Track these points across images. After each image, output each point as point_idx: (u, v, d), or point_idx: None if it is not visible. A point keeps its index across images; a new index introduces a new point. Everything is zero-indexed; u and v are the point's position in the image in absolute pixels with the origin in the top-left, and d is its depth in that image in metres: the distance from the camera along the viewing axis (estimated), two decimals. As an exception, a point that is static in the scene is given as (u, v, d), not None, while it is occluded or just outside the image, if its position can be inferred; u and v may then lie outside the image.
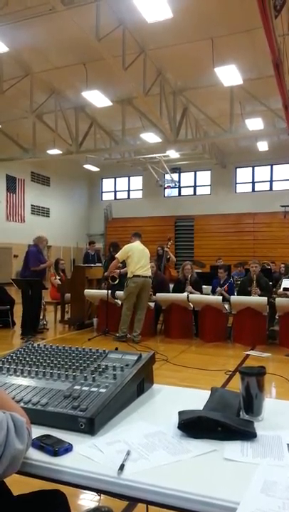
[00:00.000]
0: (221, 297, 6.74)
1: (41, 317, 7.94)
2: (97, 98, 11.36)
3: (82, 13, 8.00)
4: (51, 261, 7.64)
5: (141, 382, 1.45)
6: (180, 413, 1.20)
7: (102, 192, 23.79)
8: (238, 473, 0.96)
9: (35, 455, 1.03)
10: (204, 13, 8.60)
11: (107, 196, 23.55)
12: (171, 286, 7.70)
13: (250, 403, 1.24)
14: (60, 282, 8.33)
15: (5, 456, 0.93)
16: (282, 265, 7.95)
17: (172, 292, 7.38)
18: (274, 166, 19.66)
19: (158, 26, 8.53)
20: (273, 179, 19.84)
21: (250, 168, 20.20)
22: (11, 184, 18.25)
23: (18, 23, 8.42)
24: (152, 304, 7.10)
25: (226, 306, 6.73)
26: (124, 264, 7.70)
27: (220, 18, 8.76)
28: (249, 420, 1.20)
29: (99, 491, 1.01)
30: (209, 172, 20.83)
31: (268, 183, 19.96)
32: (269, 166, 19.73)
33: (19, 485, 1.30)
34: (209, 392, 1.42)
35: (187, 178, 21.31)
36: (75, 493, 2.17)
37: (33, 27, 8.87)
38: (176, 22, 8.38)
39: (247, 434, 1.12)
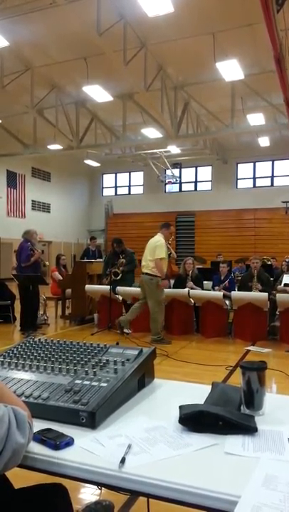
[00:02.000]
0: (221, 293, 6.74)
1: (42, 312, 7.96)
2: (97, 93, 11.32)
3: (83, 8, 7.95)
4: (40, 251, 7.45)
5: (142, 377, 1.45)
6: (181, 407, 1.20)
7: (102, 187, 23.76)
8: (239, 467, 0.96)
9: (37, 449, 1.04)
10: (205, 7, 8.54)
11: (108, 192, 23.52)
12: (172, 281, 7.69)
13: (251, 398, 1.24)
14: (61, 277, 8.34)
15: (6, 450, 0.93)
16: (284, 261, 7.92)
17: (173, 288, 7.38)
18: (275, 162, 19.61)
19: (159, 21, 8.49)
20: (274, 175, 19.79)
21: (252, 164, 20.14)
22: (12, 180, 18.23)
23: (19, 18, 8.38)
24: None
25: (227, 302, 6.73)
26: (128, 260, 7.70)
27: (221, 13, 8.71)
28: (250, 415, 1.21)
29: (100, 485, 1.02)
30: (210, 167, 20.79)
31: (269, 178, 19.92)
32: (270, 162, 19.67)
33: (20, 478, 1.31)
34: (210, 386, 1.42)
35: (188, 174, 21.26)
36: (76, 487, 2.18)
37: (33, 21, 8.82)
38: (177, 16, 8.33)
39: (248, 428, 1.12)
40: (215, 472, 0.94)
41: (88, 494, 2.24)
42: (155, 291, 6.25)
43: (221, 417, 1.13)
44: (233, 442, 1.07)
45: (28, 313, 7.08)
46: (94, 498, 2.16)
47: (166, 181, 19.98)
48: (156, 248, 6.22)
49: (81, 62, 10.82)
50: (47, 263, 7.86)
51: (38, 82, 11.84)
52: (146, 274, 6.31)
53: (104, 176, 23.43)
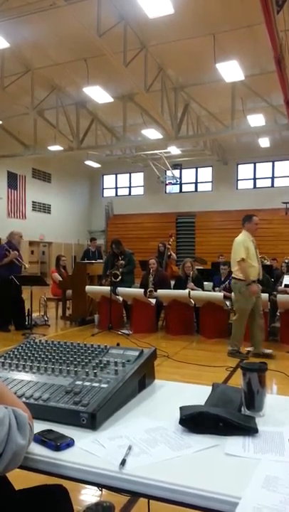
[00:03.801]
0: (222, 294, 6.74)
1: (42, 313, 7.97)
2: (98, 94, 11.33)
3: (83, 9, 7.96)
4: (15, 253, 7.24)
5: (142, 378, 1.45)
6: (181, 408, 1.20)
7: (103, 188, 23.77)
8: (239, 468, 0.96)
9: (37, 450, 1.04)
10: (206, 8, 8.55)
11: (108, 193, 23.52)
12: (173, 282, 7.70)
13: (252, 399, 1.24)
14: (60, 278, 8.35)
15: (7, 452, 0.93)
16: (284, 262, 7.92)
17: (173, 289, 7.38)
18: (275, 163, 19.61)
19: (159, 22, 8.49)
20: (275, 176, 19.79)
21: (252, 165, 20.14)
22: (12, 181, 18.23)
23: (19, 19, 8.38)
24: (153, 301, 7.11)
25: (227, 303, 6.73)
26: (127, 261, 7.69)
27: (221, 14, 8.71)
28: (250, 416, 1.21)
29: (100, 486, 1.02)
30: (210, 168, 20.79)
31: (270, 179, 19.92)
32: (270, 163, 19.67)
33: (21, 480, 1.31)
34: (211, 388, 1.42)
35: (188, 175, 21.27)
36: (77, 488, 2.18)
37: (33, 23, 8.83)
38: (177, 18, 8.34)
39: (248, 429, 1.12)
40: (215, 473, 0.95)
41: (89, 495, 2.24)
42: (238, 297, 5.51)
43: (222, 418, 1.13)
44: (234, 443, 1.07)
45: (21, 313, 7.22)
46: (94, 500, 2.16)
47: (167, 182, 19.98)
48: (235, 248, 5.47)
49: (81, 64, 10.83)
50: (27, 266, 7.79)
51: (39, 83, 11.85)
52: (233, 277, 5.63)
53: (105, 176, 23.44)
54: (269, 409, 1.25)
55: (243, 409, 1.25)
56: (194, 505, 0.88)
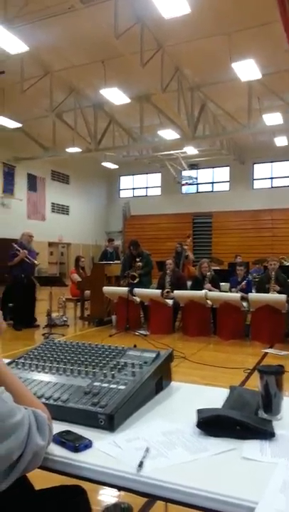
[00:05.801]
0: (239, 294, 6.69)
1: (62, 314, 8.05)
2: (115, 95, 11.37)
3: (101, 11, 8.01)
4: (24, 252, 7.48)
5: (159, 380, 1.46)
6: (199, 411, 1.20)
7: (120, 189, 23.84)
8: (256, 472, 0.96)
9: (56, 451, 1.05)
10: (221, 7, 8.51)
11: (126, 193, 23.58)
12: (189, 283, 7.68)
13: (269, 402, 1.23)
14: (80, 279, 8.41)
15: (27, 452, 0.95)
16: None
17: (190, 289, 7.36)
18: (293, 162, 19.34)
19: (175, 22, 8.47)
20: (292, 175, 19.51)
21: (269, 164, 19.91)
22: (32, 183, 18.47)
23: (38, 23, 8.49)
24: (170, 302, 7.11)
25: (244, 304, 6.67)
26: (144, 263, 7.71)
27: (237, 13, 8.65)
28: (268, 419, 1.20)
29: (118, 488, 1.03)
30: (227, 168, 20.64)
31: (287, 178, 19.65)
32: (288, 162, 19.41)
33: (41, 480, 1.33)
34: (228, 390, 1.42)
35: (205, 175, 21.16)
36: (95, 488, 2.20)
37: (52, 26, 8.93)
38: (193, 17, 8.30)
39: (265, 433, 1.12)
40: (232, 477, 0.94)
41: (107, 496, 2.25)
42: None
43: (239, 422, 1.13)
44: (251, 447, 1.07)
45: (30, 311, 7.54)
46: (113, 500, 2.17)
47: (183, 182, 19.91)
48: None
49: (99, 65, 10.90)
50: (36, 262, 7.93)
51: (57, 86, 11.98)
52: None
53: (122, 177, 23.50)
54: (286, 413, 1.25)
55: (260, 412, 1.24)
56: (211, 509, 0.88)
